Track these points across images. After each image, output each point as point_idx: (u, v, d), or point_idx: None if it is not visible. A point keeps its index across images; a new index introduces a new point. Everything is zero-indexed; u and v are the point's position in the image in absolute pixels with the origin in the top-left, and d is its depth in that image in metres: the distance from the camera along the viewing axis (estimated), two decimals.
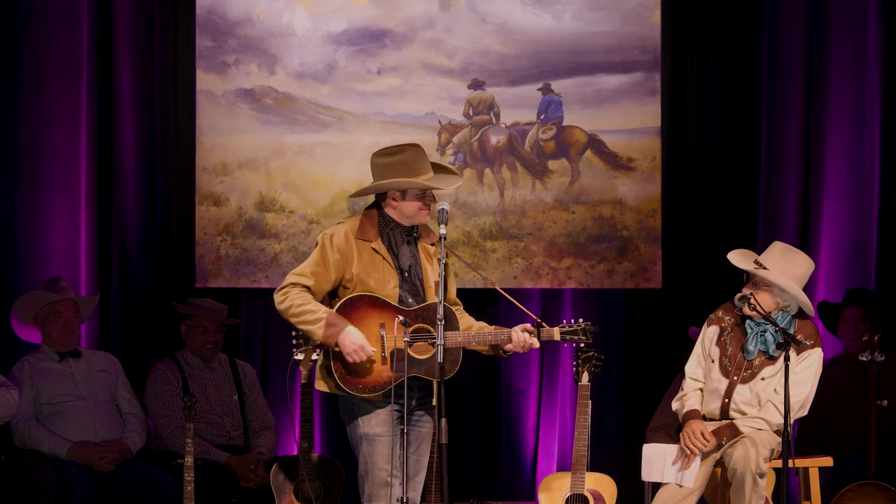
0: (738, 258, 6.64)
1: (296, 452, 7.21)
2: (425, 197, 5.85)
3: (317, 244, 5.85)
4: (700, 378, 6.71)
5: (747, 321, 6.60)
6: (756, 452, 6.34)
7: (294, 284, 5.78)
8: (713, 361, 6.65)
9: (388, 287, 5.81)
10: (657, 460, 6.55)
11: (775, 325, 6.39)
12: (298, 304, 5.74)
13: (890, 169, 8.06)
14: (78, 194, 7.99)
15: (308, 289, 5.78)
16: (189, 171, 8.13)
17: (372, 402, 5.79)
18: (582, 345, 6.23)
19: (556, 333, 5.94)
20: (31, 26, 7.99)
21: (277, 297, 5.79)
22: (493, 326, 5.99)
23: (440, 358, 5.58)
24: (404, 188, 5.84)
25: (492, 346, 5.90)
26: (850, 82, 8.07)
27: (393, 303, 5.80)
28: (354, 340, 5.68)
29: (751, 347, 6.58)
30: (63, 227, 7.97)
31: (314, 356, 6.82)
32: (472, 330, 5.91)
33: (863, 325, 7.37)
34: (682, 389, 6.74)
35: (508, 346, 5.86)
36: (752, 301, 6.44)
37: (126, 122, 8.08)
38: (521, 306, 6.05)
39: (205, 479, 7.00)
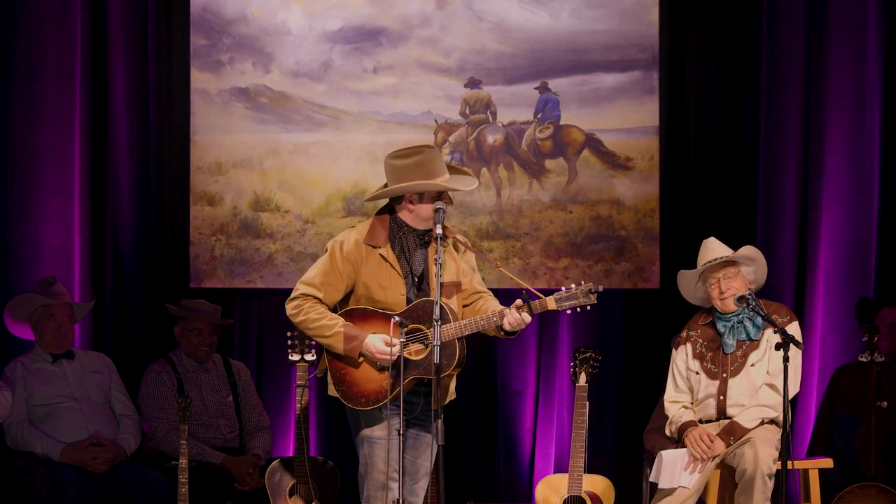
0: (689, 273, 6.85)
1: (291, 454, 7.16)
2: (442, 199, 5.78)
3: (326, 251, 5.83)
4: (681, 400, 6.75)
5: (718, 323, 6.65)
6: (766, 453, 6.33)
7: (306, 296, 5.79)
8: (698, 373, 6.69)
9: (396, 294, 5.78)
10: (674, 466, 6.52)
11: (773, 324, 6.39)
12: (314, 318, 5.76)
13: (890, 169, 8.04)
14: (71, 194, 7.96)
15: (319, 300, 5.79)
16: (183, 170, 8.11)
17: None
18: (588, 308, 5.67)
19: (550, 303, 5.67)
20: (25, 25, 7.96)
21: (290, 310, 5.81)
22: (493, 309, 5.84)
23: (437, 358, 5.53)
24: (422, 191, 5.76)
25: (496, 328, 5.79)
26: (849, 81, 8.05)
27: (396, 310, 5.75)
28: (377, 348, 5.71)
29: (729, 341, 6.64)
30: (56, 227, 7.94)
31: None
32: (479, 314, 5.84)
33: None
34: (668, 414, 6.75)
35: (506, 326, 5.72)
36: (752, 302, 6.46)
37: (120, 121, 8.05)
38: (514, 278, 5.94)
39: (199, 480, 6.98)
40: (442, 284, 5.69)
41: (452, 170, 5.90)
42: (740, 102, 8.17)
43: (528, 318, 5.68)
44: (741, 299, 6.50)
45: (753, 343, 6.62)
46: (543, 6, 8.13)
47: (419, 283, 5.81)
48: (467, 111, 8.16)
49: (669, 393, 6.81)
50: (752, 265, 6.77)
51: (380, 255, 5.78)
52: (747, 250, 6.79)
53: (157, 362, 7.50)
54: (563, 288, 5.70)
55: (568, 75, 8.14)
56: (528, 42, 8.14)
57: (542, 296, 5.68)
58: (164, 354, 7.56)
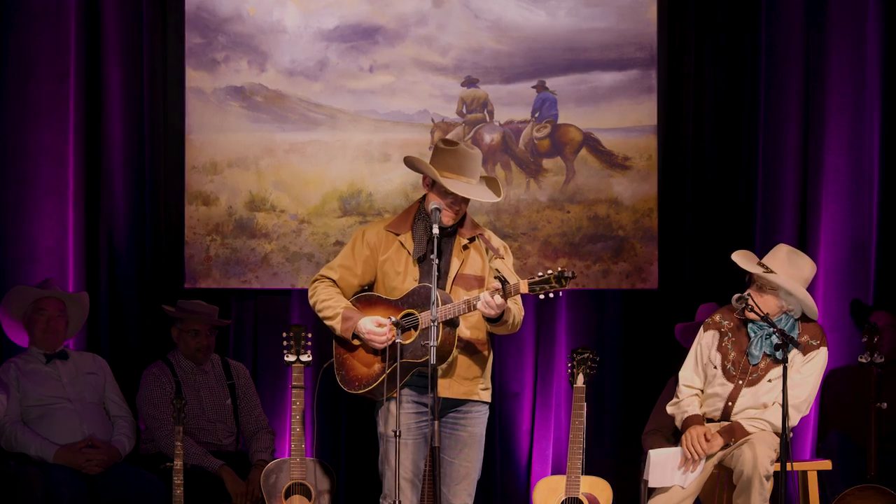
0: (743, 260, 6.59)
1: (287, 455, 7.14)
2: (447, 196, 5.82)
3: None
4: (695, 384, 6.67)
5: (749, 325, 6.57)
6: (763, 454, 6.29)
7: (322, 278, 5.99)
8: (715, 367, 6.60)
9: (410, 280, 5.88)
10: (664, 466, 6.49)
11: (773, 326, 6.35)
12: (322, 299, 5.95)
13: (889, 168, 8.02)
14: (65, 193, 7.93)
15: (334, 282, 5.97)
16: (178, 169, 8.08)
17: (392, 401, 5.81)
18: (560, 294, 5.65)
19: (522, 286, 5.65)
20: (19, 24, 7.94)
21: (309, 292, 6.01)
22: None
23: (433, 360, 5.58)
24: (422, 172, 5.89)
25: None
26: (848, 80, 8.02)
27: (395, 297, 5.86)
28: (366, 328, 5.80)
29: (755, 352, 6.54)
30: (50, 227, 7.92)
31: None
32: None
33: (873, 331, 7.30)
34: (678, 396, 6.68)
35: (480, 308, 5.69)
36: (751, 302, 6.41)
37: (114, 121, 8.03)
38: (500, 270, 5.89)
39: (195, 482, 6.96)
40: (462, 276, 5.84)
41: (489, 181, 5.97)
42: (739, 101, 8.14)
43: (500, 300, 5.64)
44: (739, 300, 6.44)
45: (778, 362, 6.47)
46: (541, 4, 8.10)
47: (427, 271, 5.83)
48: (464, 110, 8.13)
49: (686, 372, 6.68)
50: (790, 298, 6.55)
51: (399, 241, 5.90)
52: (798, 291, 6.52)
53: (156, 364, 7.48)
54: (539, 273, 5.66)
55: (565, 74, 8.11)
56: (526, 41, 8.11)
57: (519, 279, 5.69)
58: (162, 356, 7.54)
